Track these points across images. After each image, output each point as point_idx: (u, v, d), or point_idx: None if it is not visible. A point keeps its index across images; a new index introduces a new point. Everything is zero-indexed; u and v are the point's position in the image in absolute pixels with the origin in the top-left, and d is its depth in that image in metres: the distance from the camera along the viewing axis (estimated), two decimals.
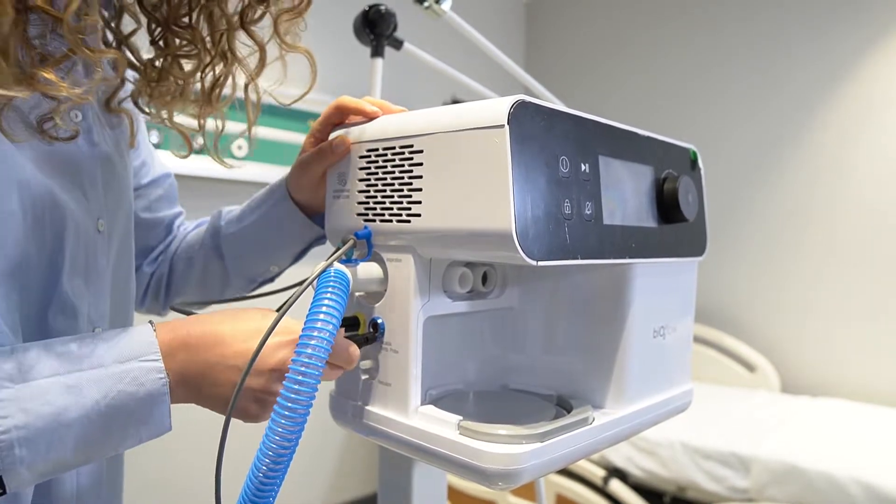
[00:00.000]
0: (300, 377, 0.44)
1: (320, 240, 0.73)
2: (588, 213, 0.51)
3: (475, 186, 0.48)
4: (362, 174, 0.58)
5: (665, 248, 0.61)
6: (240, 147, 2.20)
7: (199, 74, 0.61)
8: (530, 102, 0.47)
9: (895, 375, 2.52)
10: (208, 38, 0.59)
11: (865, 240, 2.59)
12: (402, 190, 0.54)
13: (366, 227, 0.57)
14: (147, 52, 0.61)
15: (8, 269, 0.49)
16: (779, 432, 2.12)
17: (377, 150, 0.56)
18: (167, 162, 0.84)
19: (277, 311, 0.51)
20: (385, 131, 0.56)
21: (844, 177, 2.65)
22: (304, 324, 0.47)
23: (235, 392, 0.47)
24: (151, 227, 0.81)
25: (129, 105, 0.64)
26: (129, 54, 0.61)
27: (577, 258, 0.50)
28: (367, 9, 1.08)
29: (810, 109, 2.73)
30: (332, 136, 0.62)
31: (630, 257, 0.56)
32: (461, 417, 0.52)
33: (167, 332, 0.49)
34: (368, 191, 0.57)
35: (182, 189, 0.86)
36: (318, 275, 0.51)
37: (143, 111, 0.65)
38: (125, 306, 0.67)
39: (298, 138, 2.33)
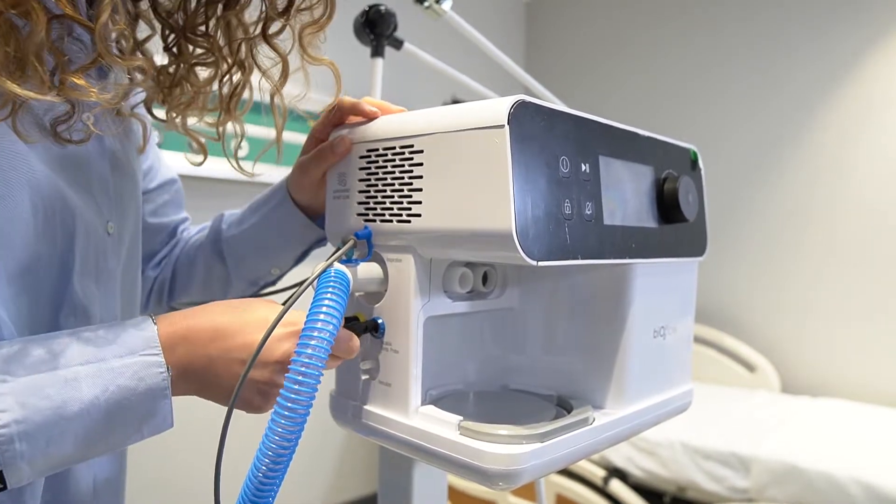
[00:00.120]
0: (300, 377, 0.44)
1: (321, 242, 0.73)
2: (588, 213, 0.51)
3: (475, 186, 0.48)
4: (362, 174, 0.58)
5: (665, 249, 0.61)
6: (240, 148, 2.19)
7: (216, 83, 0.61)
8: (530, 102, 0.47)
9: (895, 375, 2.53)
10: (226, 48, 0.59)
11: (865, 240, 2.59)
12: (402, 190, 0.54)
13: (366, 228, 0.57)
14: (159, 58, 0.61)
15: (18, 270, 0.49)
16: (779, 432, 2.12)
17: (377, 150, 0.56)
18: (171, 164, 0.84)
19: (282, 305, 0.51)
20: (385, 131, 0.56)
21: (844, 177, 2.65)
22: (305, 324, 0.47)
23: (238, 384, 0.47)
24: (157, 232, 0.81)
25: (140, 111, 0.65)
26: None
27: (578, 258, 0.50)
28: (367, 9, 1.07)
29: (810, 109, 2.73)
30: (332, 136, 0.62)
31: (630, 257, 0.56)
32: (461, 418, 0.52)
33: (167, 326, 0.49)
34: (368, 191, 0.57)
35: (185, 189, 0.86)
36: (319, 275, 0.50)
37: (155, 118, 0.65)
38: (134, 309, 0.67)
39: (299, 138, 2.31)
